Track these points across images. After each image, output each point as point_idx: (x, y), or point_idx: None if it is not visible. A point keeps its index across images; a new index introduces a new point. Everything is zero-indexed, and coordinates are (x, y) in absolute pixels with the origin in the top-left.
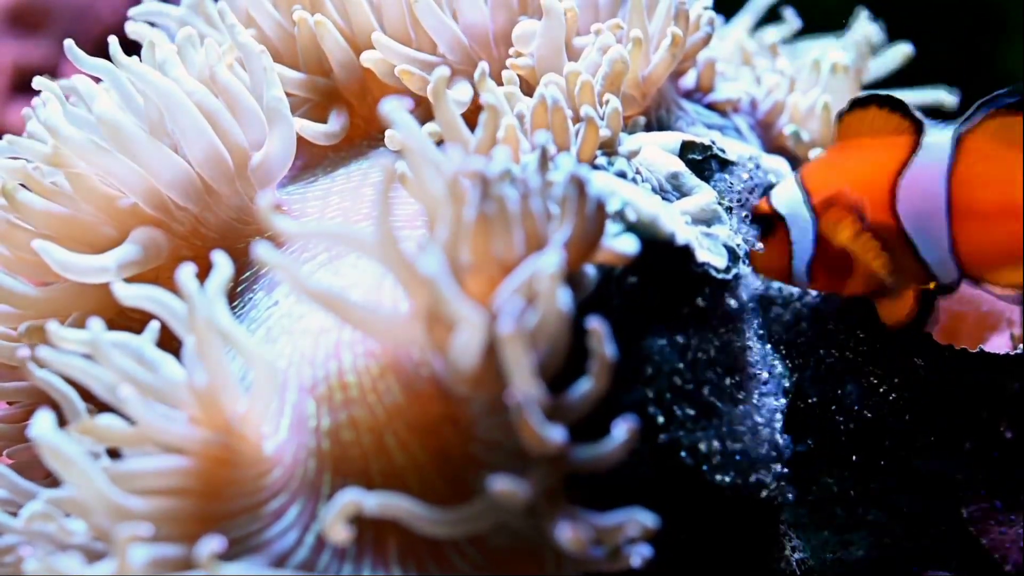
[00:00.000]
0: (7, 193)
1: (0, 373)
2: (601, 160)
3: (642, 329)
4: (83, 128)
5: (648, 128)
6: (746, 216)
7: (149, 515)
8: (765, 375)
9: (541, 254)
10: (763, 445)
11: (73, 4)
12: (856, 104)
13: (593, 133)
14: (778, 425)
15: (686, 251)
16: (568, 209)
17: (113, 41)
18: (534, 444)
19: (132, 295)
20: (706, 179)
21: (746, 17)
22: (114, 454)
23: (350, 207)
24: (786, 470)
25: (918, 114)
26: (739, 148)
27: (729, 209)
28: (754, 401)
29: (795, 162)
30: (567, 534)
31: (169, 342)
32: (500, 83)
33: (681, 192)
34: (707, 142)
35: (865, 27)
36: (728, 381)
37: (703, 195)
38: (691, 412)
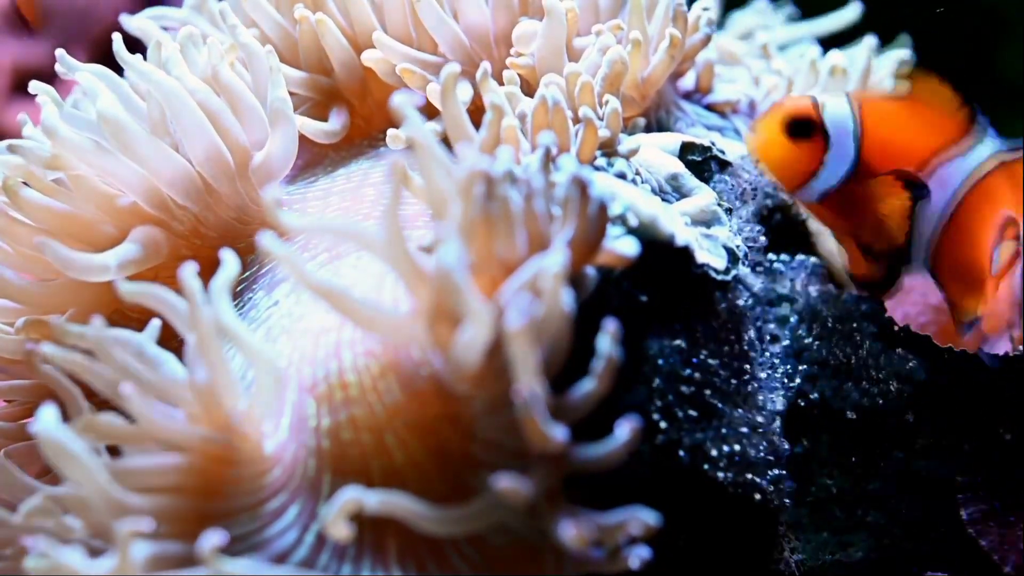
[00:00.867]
0: (9, 189)
1: None
2: (601, 161)
3: (641, 330)
4: (82, 128)
5: (648, 129)
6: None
7: (149, 512)
8: (764, 376)
9: (545, 253)
10: (763, 445)
11: (74, 4)
12: (927, 73)
13: (592, 134)
14: (777, 426)
15: (686, 252)
16: (570, 210)
17: (117, 39)
18: (538, 442)
19: (135, 291)
20: (706, 180)
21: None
22: (114, 453)
23: (350, 207)
24: (785, 471)
25: (976, 107)
26: (739, 149)
27: (729, 210)
28: (754, 402)
29: None
30: (570, 532)
31: (169, 340)
32: (501, 83)
33: (681, 193)
34: (707, 143)
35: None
36: (728, 382)
37: (703, 196)
38: (691, 413)
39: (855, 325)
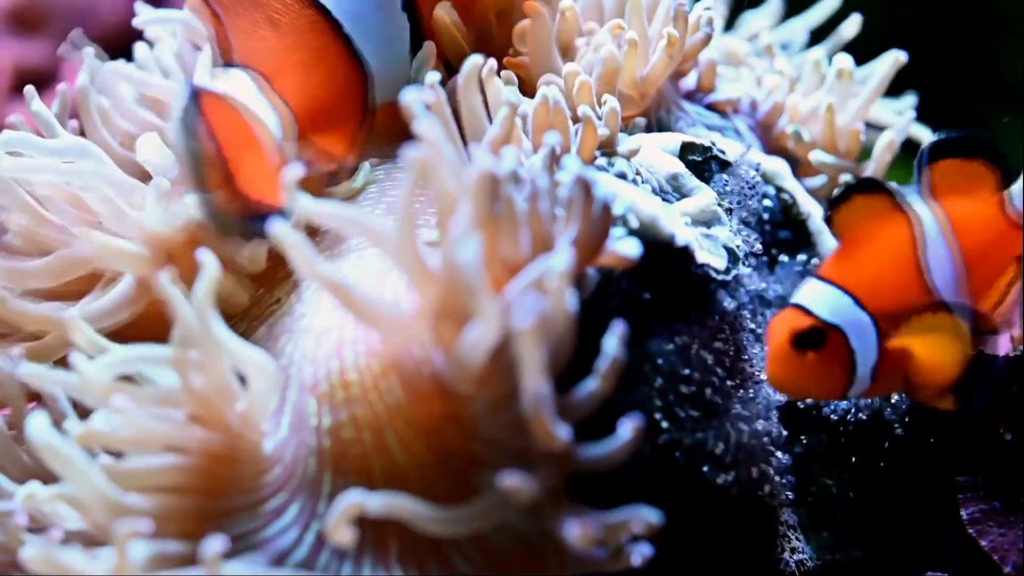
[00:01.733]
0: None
1: None
2: (601, 161)
3: (642, 330)
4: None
5: (648, 129)
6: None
7: (148, 512)
8: (765, 375)
9: (551, 253)
10: (763, 446)
11: (74, 4)
12: (839, 200)
13: (592, 133)
14: (777, 425)
15: (686, 252)
16: (574, 211)
17: None
18: (544, 440)
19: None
20: (706, 180)
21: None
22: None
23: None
24: (785, 471)
25: (892, 186)
26: (739, 149)
27: (729, 210)
28: (754, 401)
29: (794, 163)
30: (576, 531)
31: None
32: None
33: (681, 193)
34: (707, 143)
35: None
36: (728, 381)
37: (703, 196)
38: (692, 412)
39: None
